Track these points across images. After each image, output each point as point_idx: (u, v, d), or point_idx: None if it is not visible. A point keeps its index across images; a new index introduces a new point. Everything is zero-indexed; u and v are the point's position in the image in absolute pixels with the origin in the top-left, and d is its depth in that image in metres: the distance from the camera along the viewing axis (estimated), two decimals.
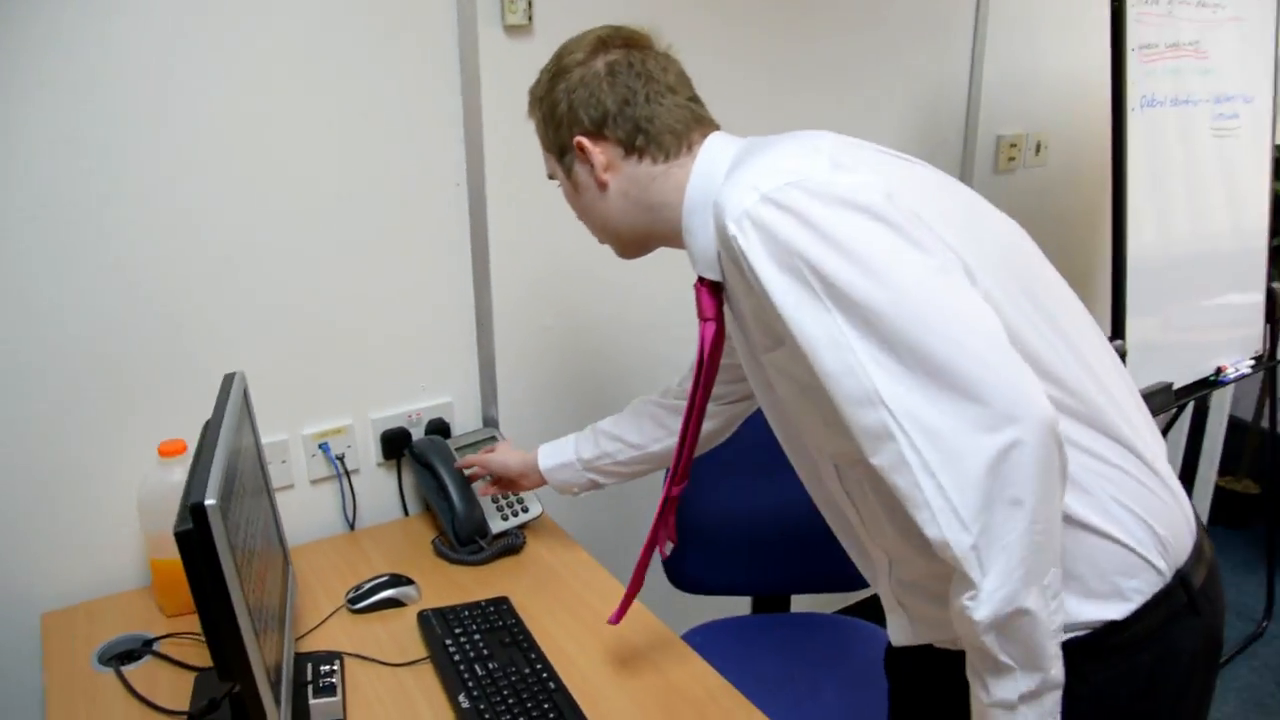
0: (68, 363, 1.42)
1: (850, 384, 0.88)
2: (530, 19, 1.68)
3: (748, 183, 0.94)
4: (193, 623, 1.44)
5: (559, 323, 1.87)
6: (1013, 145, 2.50)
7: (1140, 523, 0.98)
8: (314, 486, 1.69)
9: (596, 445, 1.49)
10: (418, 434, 1.77)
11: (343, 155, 1.57)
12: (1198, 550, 1.04)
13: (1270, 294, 2.60)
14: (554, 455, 1.53)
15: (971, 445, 0.83)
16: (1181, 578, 1.00)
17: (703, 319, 1.08)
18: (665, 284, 1.96)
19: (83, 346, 1.43)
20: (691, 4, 1.85)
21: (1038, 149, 2.57)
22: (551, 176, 1.22)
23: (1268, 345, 2.63)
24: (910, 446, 0.85)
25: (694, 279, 1.08)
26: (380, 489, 1.77)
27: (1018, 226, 1.08)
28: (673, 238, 1.14)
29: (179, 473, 1.43)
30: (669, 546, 1.30)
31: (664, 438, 1.46)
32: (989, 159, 2.50)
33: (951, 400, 0.84)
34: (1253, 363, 2.54)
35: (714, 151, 1.10)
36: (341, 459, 1.69)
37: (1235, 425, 3.33)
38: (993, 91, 2.43)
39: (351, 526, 1.73)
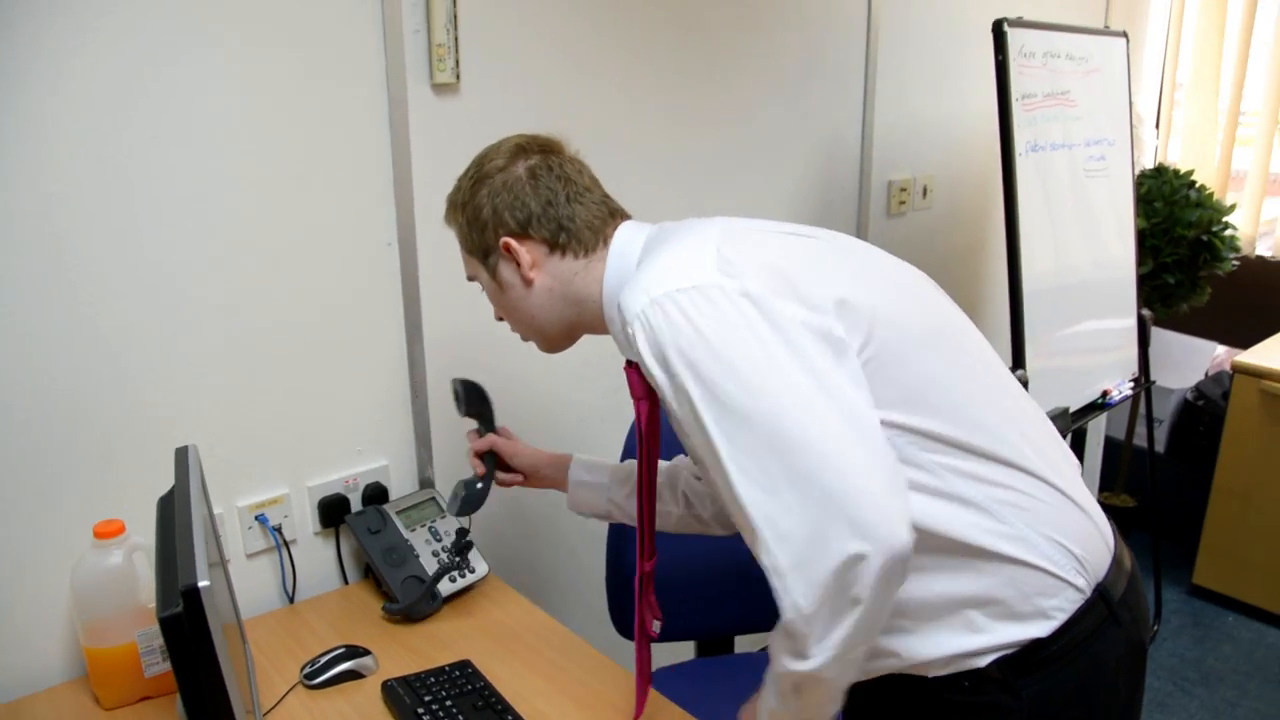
0: None
1: (719, 480, 0.95)
2: (458, 77, 1.69)
3: (641, 286, 1.01)
4: (134, 714, 1.37)
5: (492, 379, 1.85)
6: (903, 189, 2.64)
7: (1057, 546, 1.05)
8: (250, 560, 1.63)
9: (627, 484, 1.47)
10: (355, 499, 1.72)
11: (274, 215, 1.54)
12: (1116, 563, 1.12)
13: (1140, 319, 2.80)
14: (587, 473, 1.49)
15: (822, 553, 0.88)
16: (1101, 592, 1.08)
17: (635, 398, 1.12)
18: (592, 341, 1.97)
19: (3, 422, 1.35)
20: (596, 53, 1.89)
21: (924, 192, 2.72)
22: (472, 278, 1.28)
23: (1142, 367, 2.82)
24: (765, 548, 0.91)
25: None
26: (319, 558, 1.71)
27: (920, 274, 1.16)
28: (597, 325, 1.22)
29: (116, 555, 1.36)
30: (656, 625, 1.29)
31: (682, 509, 1.45)
32: (882, 203, 2.63)
33: (809, 509, 0.88)
34: (1132, 384, 2.72)
35: (623, 244, 1.18)
36: (279, 529, 1.64)
37: (1108, 443, 3.56)
38: (883, 138, 2.56)
39: (291, 599, 1.67)
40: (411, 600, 1.58)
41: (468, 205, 1.22)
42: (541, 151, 1.22)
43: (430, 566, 1.64)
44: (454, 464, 1.83)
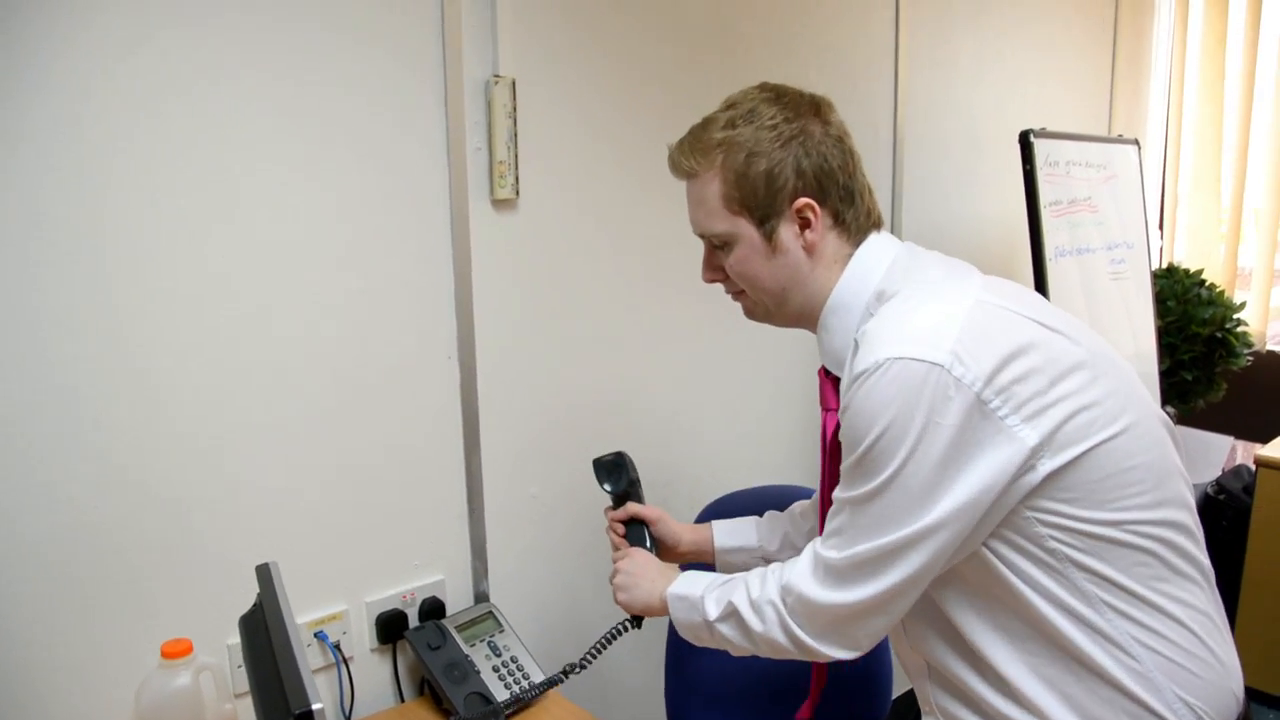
0: (57, 554, 1.33)
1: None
2: (518, 193, 1.73)
3: (886, 337, 1.04)
4: None
5: (546, 491, 1.86)
6: None
7: (1185, 706, 1.04)
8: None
9: (776, 536, 1.49)
10: (412, 614, 1.70)
11: (336, 330, 1.56)
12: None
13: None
14: (731, 537, 1.49)
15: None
16: None
17: (825, 409, 1.16)
18: (647, 449, 1.98)
19: (66, 540, 1.34)
20: (652, 163, 1.93)
21: None
22: (712, 237, 1.19)
23: None
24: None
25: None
26: (375, 675, 1.68)
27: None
28: (803, 318, 1.20)
29: (184, 675, 1.35)
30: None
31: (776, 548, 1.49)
32: None
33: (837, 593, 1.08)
34: None
35: (873, 257, 1.16)
36: (338, 646, 1.61)
37: None
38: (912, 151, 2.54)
39: (348, 717, 1.63)
40: (475, 716, 1.54)
41: (758, 156, 1.13)
42: (825, 111, 1.18)
43: (491, 682, 1.61)
44: (510, 577, 1.82)
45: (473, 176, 1.68)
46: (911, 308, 1.08)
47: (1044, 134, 2.30)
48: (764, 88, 1.18)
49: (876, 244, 1.17)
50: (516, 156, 1.72)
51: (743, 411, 2.20)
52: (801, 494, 1.65)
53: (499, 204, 1.72)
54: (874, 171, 2.43)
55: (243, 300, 1.45)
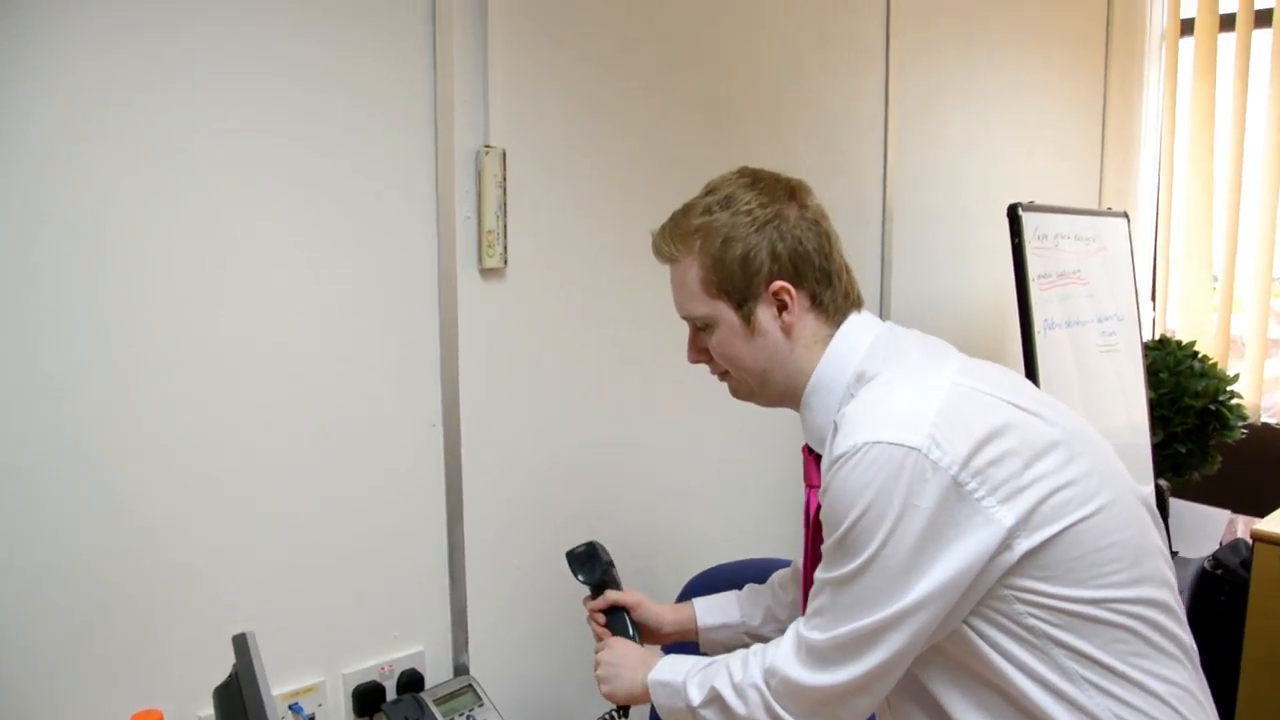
0: (21, 619, 1.30)
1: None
2: (506, 262, 1.73)
3: (865, 420, 1.04)
4: None
5: (530, 563, 1.84)
6: None
7: None
8: None
9: (759, 609, 1.48)
10: (390, 686, 1.67)
11: (320, 400, 1.55)
12: None
13: (1159, 490, 2.81)
14: (713, 615, 1.48)
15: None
16: None
17: (809, 485, 1.17)
18: (633, 520, 1.97)
19: (31, 606, 1.31)
20: (640, 231, 1.95)
21: None
22: (694, 320, 1.22)
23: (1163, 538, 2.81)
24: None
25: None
26: None
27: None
28: (786, 398, 1.22)
29: None
30: None
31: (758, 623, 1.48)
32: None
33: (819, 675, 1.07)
34: None
35: (851, 340, 1.18)
36: (313, 719, 1.57)
37: None
38: (899, 318, 2.60)
39: None
40: None
41: (734, 241, 1.16)
42: (801, 195, 1.20)
43: None
44: (491, 650, 1.79)
45: (462, 245, 1.69)
46: (889, 391, 1.09)
47: (1032, 208, 2.32)
48: (742, 172, 1.22)
49: (856, 325, 1.19)
50: (505, 226, 1.73)
51: (728, 484, 2.19)
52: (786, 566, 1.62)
53: (487, 273, 1.73)
54: (863, 242, 2.49)
55: (223, 365, 1.45)
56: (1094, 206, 3.08)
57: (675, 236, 1.20)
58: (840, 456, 1.03)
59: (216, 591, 1.47)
